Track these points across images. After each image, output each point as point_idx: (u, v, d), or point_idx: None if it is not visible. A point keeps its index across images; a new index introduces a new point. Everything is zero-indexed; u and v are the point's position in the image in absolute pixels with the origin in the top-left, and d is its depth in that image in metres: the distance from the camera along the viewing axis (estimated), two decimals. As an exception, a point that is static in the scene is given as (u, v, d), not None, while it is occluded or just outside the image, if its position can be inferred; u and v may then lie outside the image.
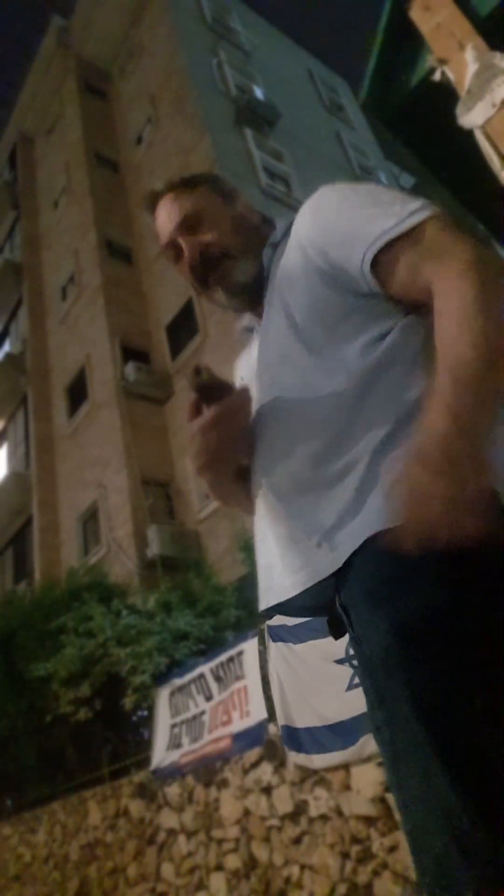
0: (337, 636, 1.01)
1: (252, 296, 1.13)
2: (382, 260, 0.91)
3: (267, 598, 1.00)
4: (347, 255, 0.94)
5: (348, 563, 0.86)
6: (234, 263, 1.11)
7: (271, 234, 1.15)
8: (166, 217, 1.14)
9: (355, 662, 1.02)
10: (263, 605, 1.02)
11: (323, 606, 0.96)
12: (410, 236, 0.90)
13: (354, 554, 0.84)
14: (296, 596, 0.94)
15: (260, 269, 1.12)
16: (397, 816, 2.94)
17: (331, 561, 0.88)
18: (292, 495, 0.94)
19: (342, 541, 0.87)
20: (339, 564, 0.86)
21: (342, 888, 3.34)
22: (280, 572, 0.96)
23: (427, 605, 0.76)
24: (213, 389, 0.98)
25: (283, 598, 0.96)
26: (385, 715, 0.83)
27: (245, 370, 1.17)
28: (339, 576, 0.88)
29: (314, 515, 0.91)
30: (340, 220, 0.97)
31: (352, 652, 1.05)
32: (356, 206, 0.97)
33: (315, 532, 0.90)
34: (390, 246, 0.90)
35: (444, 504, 0.75)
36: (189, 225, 1.12)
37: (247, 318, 1.19)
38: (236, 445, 1.03)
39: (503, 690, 0.73)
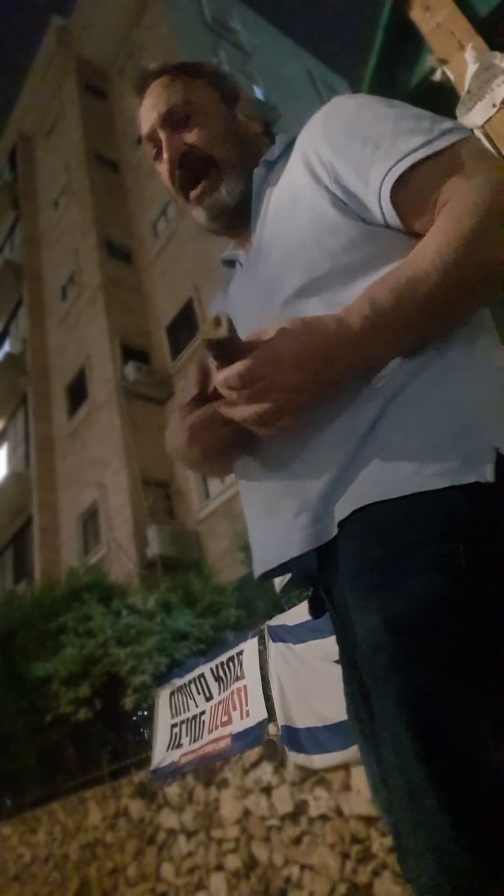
0: (316, 615, 0.92)
1: (236, 220, 0.97)
2: (405, 184, 0.76)
3: (255, 567, 0.88)
4: (364, 175, 0.79)
5: (333, 541, 0.75)
6: (220, 177, 0.95)
7: (268, 150, 0.98)
8: (151, 104, 0.98)
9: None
10: (255, 574, 0.89)
11: (302, 577, 0.87)
12: (439, 158, 0.75)
13: (341, 529, 0.73)
14: (279, 566, 0.82)
15: (248, 190, 0.95)
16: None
17: (310, 535, 0.77)
18: (280, 457, 0.82)
19: (324, 514, 0.76)
20: (321, 541, 0.76)
21: (342, 888, 3.34)
22: (261, 543, 0.86)
23: (425, 594, 0.64)
24: (231, 348, 0.76)
25: (260, 572, 0.85)
26: (362, 703, 0.75)
27: (225, 309, 0.98)
28: (322, 551, 0.78)
29: (299, 479, 0.79)
30: (357, 133, 0.81)
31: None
32: (377, 119, 0.81)
33: (299, 504, 0.79)
34: (414, 168, 0.76)
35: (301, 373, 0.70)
36: (175, 118, 0.96)
37: (229, 248, 1.04)
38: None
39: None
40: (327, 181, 0.83)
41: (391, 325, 0.71)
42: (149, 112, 0.98)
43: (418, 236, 0.77)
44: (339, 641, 0.88)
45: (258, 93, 14.99)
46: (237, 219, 0.97)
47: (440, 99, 3.95)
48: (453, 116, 3.69)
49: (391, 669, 0.64)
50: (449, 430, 0.70)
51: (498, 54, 3.48)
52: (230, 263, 1.02)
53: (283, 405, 0.72)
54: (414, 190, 0.76)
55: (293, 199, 0.86)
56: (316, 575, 0.83)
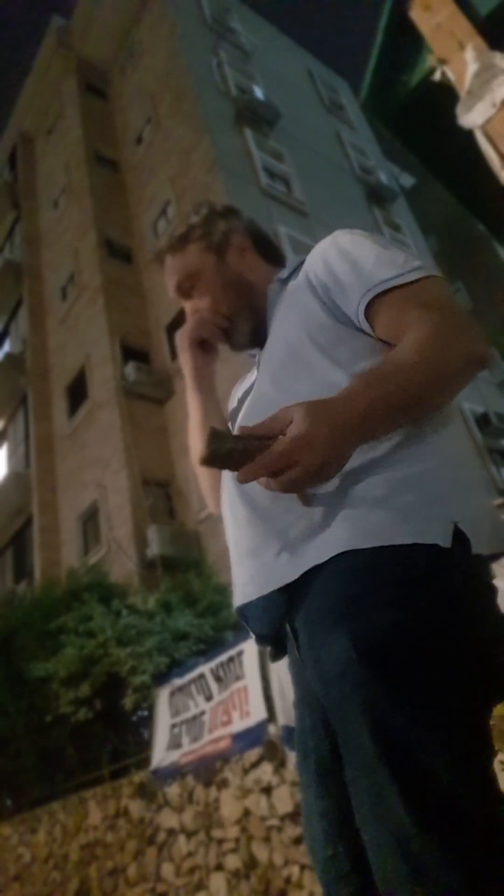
0: (276, 658, 1.04)
1: (256, 337, 1.17)
2: (377, 304, 0.95)
3: (235, 600, 1.03)
4: (347, 295, 0.98)
5: (306, 581, 0.86)
6: (233, 327, 1.17)
7: (275, 270, 1.20)
8: (168, 280, 1.23)
9: None
10: (234, 605, 1.04)
11: (270, 622, 0.98)
12: (407, 288, 0.94)
13: (315, 571, 0.85)
14: (253, 608, 0.96)
15: (260, 314, 1.16)
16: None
17: (286, 571, 0.89)
18: (264, 500, 0.95)
19: (304, 553, 0.88)
20: (295, 575, 0.87)
21: (342, 888, 3.34)
22: (241, 579, 0.98)
23: (389, 623, 0.77)
24: (244, 446, 0.83)
25: (239, 603, 0.99)
26: (318, 742, 0.84)
27: (240, 393, 1.20)
28: (294, 593, 0.89)
29: (281, 523, 0.92)
30: (346, 261, 1.01)
31: None
32: (364, 253, 1.00)
33: (279, 540, 0.91)
34: (386, 293, 0.94)
35: (311, 461, 0.79)
36: (183, 289, 1.20)
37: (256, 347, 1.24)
38: None
39: (460, 713, 0.75)
40: (322, 294, 1.02)
41: (388, 407, 0.84)
42: (168, 283, 1.24)
43: (388, 343, 0.96)
44: (297, 679, 1.01)
45: (258, 93, 14.98)
46: (257, 336, 1.17)
47: (440, 99, 3.95)
48: (453, 116, 3.70)
49: (357, 685, 0.76)
50: (419, 498, 0.85)
51: (498, 54, 3.48)
52: (253, 356, 1.21)
53: (312, 479, 0.83)
54: (384, 309, 0.95)
55: (295, 307, 1.05)
56: (282, 619, 0.95)
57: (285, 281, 1.16)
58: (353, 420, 0.82)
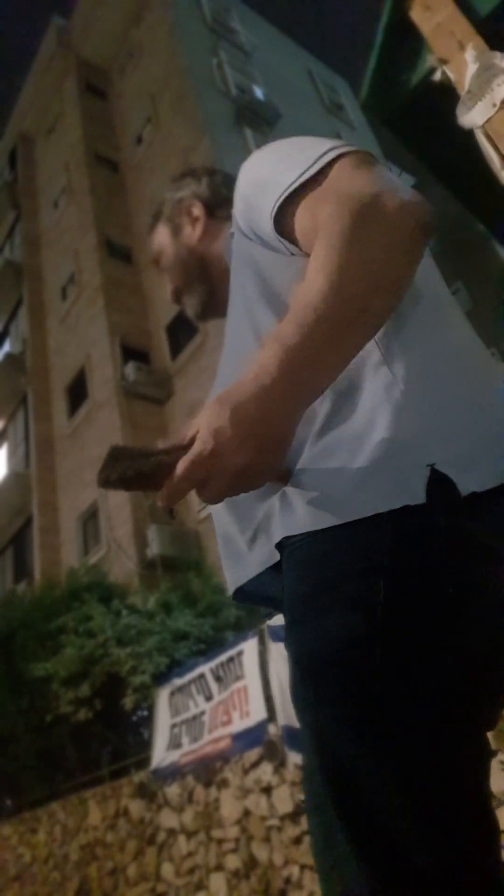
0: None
1: (219, 309, 1.12)
2: (284, 217, 0.79)
3: (229, 586, 0.93)
4: (259, 220, 0.83)
5: (278, 568, 0.76)
6: (186, 300, 1.18)
7: (225, 234, 1.08)
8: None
9: None
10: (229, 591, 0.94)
11: (269, 597, 0.88)
12: (312, 184, 0.76)
13: (283, 557, 0.74)
14: (249, 583, 0.85)
15: (209, 290, 1.14)
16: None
17: (263, 557, 0.78)
18: None
19: (265, 542, 0.78)
20: (259, 569, 0.79)
21: (342, 888, 3.34)
22: (228, 565, 0.90)
23: (339, 630, 0.64)
24: (142, 475, 0.71)
25: (235, 586, 0.88)
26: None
27: None
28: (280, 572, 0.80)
29: (249, 508, 0.81)
30: (253, 183, 0.86)
31: None
32: (268, 166, 0.85)
33: (250, 530, 0.81)
34: (291, 199, 0.77)
35: (216, 459, 0.65)
36: (159, 268, 1.24)
37: None
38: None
39: (427, 744, 0.61)
40: (245, 228, 0.88)
41: (307, 359, 0.66)
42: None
43: None
44: None
45: (258, 93, 14.98)
46: (216, 308, 1.14)
47: (440, 99, 3.95)
48: (453, 116, 3.69)
49: (304, 705, 0.66)
50: (378, 453, 0.67)
51: (498, 54, 3.48)
52: None
53: (242, 481, 0.68)
54: (293, 220, 0.78)
55: (235, 260, 0.93)
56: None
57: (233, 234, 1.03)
58: (270, 391, 0.65)
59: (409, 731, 0.61)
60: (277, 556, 0.75)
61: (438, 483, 0.65)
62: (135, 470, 0.69)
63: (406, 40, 4.09)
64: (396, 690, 0.61)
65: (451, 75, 3.73)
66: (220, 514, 0.88)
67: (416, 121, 4.64)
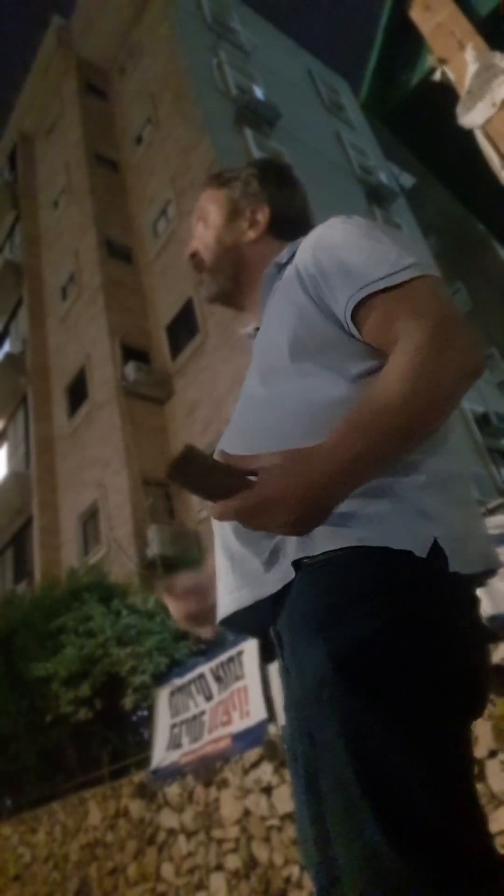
0: (268, 660, 1.03)
1: (232, 305, 1.22)
2: (364, 307, 0.89)
3: (221, 611, 1.00)
4: (335, 295, 0.93)
5: (288, 586, 0.85)
6: (205, 276, 1.20)
7: (269, 253, 1.16)
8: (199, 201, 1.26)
9: None
10: (220, 617, 1.01)
11: (258, 627, 0.97)
12: (396, 291, 0.88)
13: (297, 577, 0.84)
14: (236, 613, 0.94)
15: (230, 288, 1.19)
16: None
17: (276, 579, 0.87)
18: None
19: (286, 559, 0.86)
20: (283, 583, 0.86)
21: (342, 888, 3.34)
22: (224, 590, 0.97)
23: (368, 636, 0.75)
24: (205, 483, 0.79)
25: (222, 616, 0.97)
26: (306, 748, 0.82)
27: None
28: (278, 598, 0.88)
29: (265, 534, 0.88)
30: (335, 256, 0.95)
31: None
32: (353, 248, 0.94)
33: (266, 550, 0.89)
34: (374, 296, 0.88)
35: (281, 510, 0.75)
36: (196, 218, 1.23)
37: (251, 325, 1.22)
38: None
39: (439, 728, 0.74)
40: (311, 290, 0.97)
41: (378, 453, 0.79)
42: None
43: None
44: (284, 683, 0.98)
45: (258, 93, 14.97)
46: (233, 304, 1.22)
47: (440, 99, 3.95)
48: (453, 116, 3.70)
49: (333, 697, 0.74)
50: (400, 507, 0.83)
51: (498, 54, 3.48)
52: (251, 337, 1.20)
53: (286, 532, 0.80)
54: (371, 313, 0.89)
55: (287, 300, 1.01)
56: (270, 623, 0.93)
57: (284, 266, 1.12)
58: (337, 475, 0.77)
59: (429, 714, 0.74)
60: (292, 575, 0.85)
61: (436, 551, 0.81)
62: (201, 486, 0.78)
63: (406, 40, 4.10)
64: (416, 682, 0.75)
65: (451, 75, 3.73)
66: (228, 535, 0.95)
67: (416, 121, 4.64)
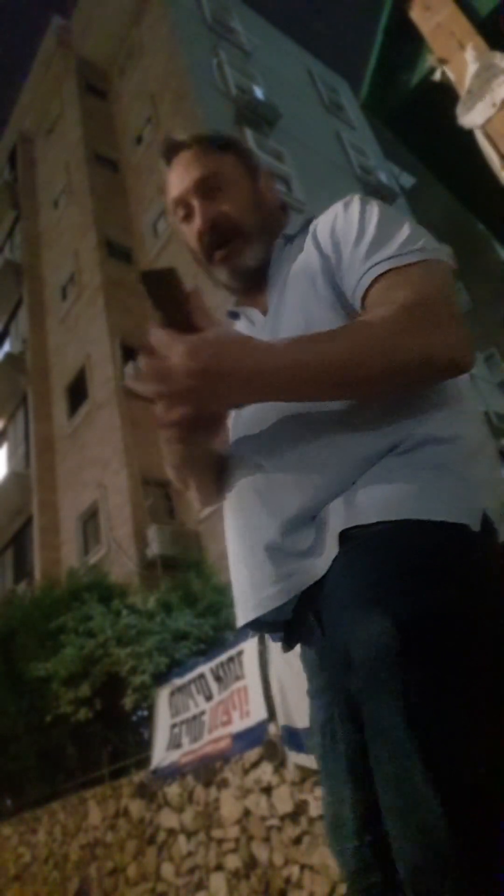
0: (289, 648, 0.99)
1: (252, 282, 1.08)
2: (374, 285, 0.88)
3: (244, 611, 0.95)
4: (347, 272, 0.93)
5: (335, 562, 0.81)
6: (246, 244, 1.05)
7: (287, 220, 1.12)
8: (184, 171, 1.06)
9: None
10: (241, 619, 0.96)
11: (276, 621, 0.93)
12: (404, 270, 0.87)
13: (346, 550, 0.80)
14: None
15: (268, 256, 1.07)
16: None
17: (323, 559, 0.83)
18: (289, 479, 0.89)
19: (331, 535, 0.82)
20: (330, 560, 0.82)
21: (342, 888, 3.34)
22: (259, 583, 0.90)
23: (434, 607, 0.74)
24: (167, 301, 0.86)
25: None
26: (349, 728, 0.81)
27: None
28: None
29: (311, 502, 0.86)
30: (352, 233, 0.94)
31: None
32: (370, 228, 0.93)
33: (308, 532, 0.85)
34: (383, 275, 0.87)
35: (202, 382, 0.78)
36: (208, 187, 1.05)
37: (233, 303, 1.15)
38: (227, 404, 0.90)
39: (501, 701, 0.71)
40: (332, 267, 0.96)
41: (298, 377, 0.80)
42: (181, 178, 1.06)
43: None
44: (318, 666, 0.96)
45: (258, 93, 14.97)
46: (253, 281, 1.08)
47: (440, 99, 3.95)
48: (453, 116, 3.69)
49: (395, 666, 0.72)
50: (454, 484, 0.81)
51: (498, 54, 3.48)
52: (234, 315, 1.15)
53: (177, 397, 0.82)
54: (376, 290, 0.87)
55: (310, 278, 0.97)
56: (297, 605, 0.88)
57: (291, 239, 1.09)
58: (254, 365, 0.79)
59: (493, 686, 0.71)
60: (337, 549, 0.81)
61: (486, 523, 0.80)
62: (163, 305, 0.85)
63: (406, 40, 4.10)
64: (481, 653, 0.73)
65: (451, 75, 3.73)
66: (263, 525, 0.90)
67: (416, 121, 4.64)
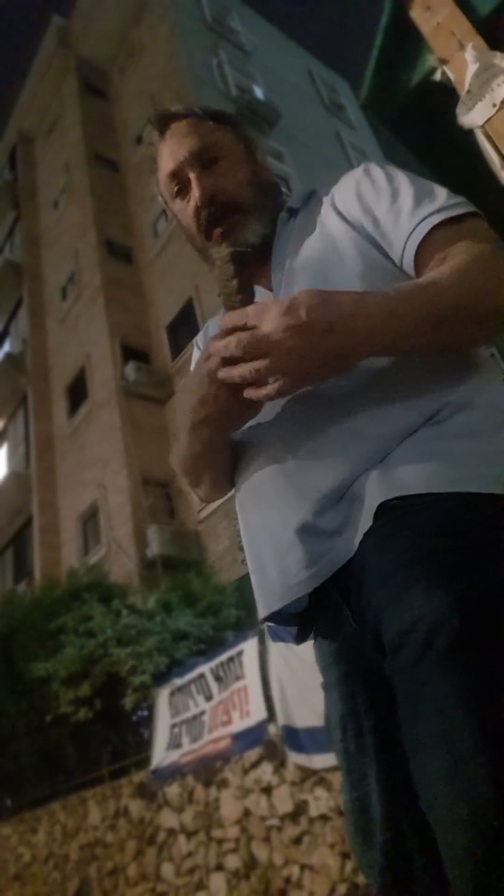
0: (302, 640, 0.93)
1: (261, 256, 1.01)
2: (423, 247, 0.86)
3: (269, 601, 0.88)
4: (389, 238, 0.90)
5: (366, 537, 0.76)
6: (246, 219, 1.00)
7: (280, 197, 1.08)
8: (178, 142, 1.01)
9: None
10: (265, 610, 0.89)
11: (293, 613, 0.89)
12: (453, 224, 0.86)
13: (383, 523, 0.75)
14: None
15: (270, 233, 1.02)
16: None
17: (356, 534, 0.78)
18: (326, 454, 0.84)
19: (368, 507, 0.77)
20: (363, 534, 0.77)
21: (342, 888, 3.34)
22: (288, 569, 0.84)
23: (490, 581, 0.68)
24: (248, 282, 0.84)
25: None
26: (380, 716, 0.77)
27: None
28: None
29: (349, 475, 0.81)
30: (383, 198, 0.92)
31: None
32: (401, 189, 0.92)
33: (339, 511, 0.81)
34: (431, 233, 0.86)
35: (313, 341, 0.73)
36: (205, 159, 1.01)
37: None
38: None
39: None
40: (360, 230, 0.93)
41: (409, 317, 0.76)
42: (175, 149, 1.01)
43: None
44: (340, 654, 0.89)
45: (258, 93, 14.98)
46: (262, 256, 1.01)
47: (440, 99, 3.95)
48: (453, 116, 3.69)
49: (452, 645, 0.66)
50: (495, 455, 0.77)
51: (498, 54, 3.48)
52: None
53: (281, 366, 0.75)
54: (431, 249, 0.86)
55: (333, 248, 0.94)
56: (319, 589, 0.83)
57: (295, 212, 1.05)
58: (360, 314, 0.74)
59: None
60: (371, 522, 0.76)
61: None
62: (243, 287, 0.81)
63: (406, 40, 4.09)
64: None
65: (451, 75, 3.73)
66: (290, 509, 0.84)
67: (416, 121, 4.64)
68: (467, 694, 0.65)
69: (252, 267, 0.86)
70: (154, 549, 9.90)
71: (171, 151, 1.02)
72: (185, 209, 1.03)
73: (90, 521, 12.13)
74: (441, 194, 0.89)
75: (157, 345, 13.04)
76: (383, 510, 0.75)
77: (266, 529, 0.89)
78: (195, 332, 11.85)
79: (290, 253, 0.98)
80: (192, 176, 1.00)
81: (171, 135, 1.03)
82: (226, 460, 0.97)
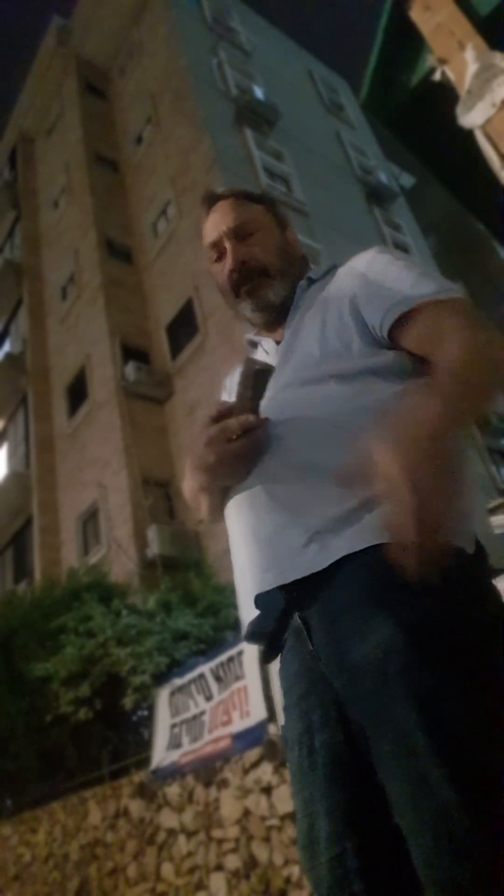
0: (269, 659, 1.00)
1: (274, 316, 1.19)
2: (409, 317, 0.97)
3: (246, 588, 0.98)
4: (374, 307, 1.02)
5: (330, 570, 0.86)
6: (270, 282, 1.18)
7: (307, 269, 1.25)
8: (220, 218, 1.21)
9: None
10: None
11: (269, 629, 0.94)
12: (443, 303, 0.97)
13: (343, 561, 0.85)
14: (260, 601, 0.92)
15: (290, 296, 1.19)
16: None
17: (315, 560, 0.88)
18: (291, 487, 0.95)
19: (336, 542, 0.87)
20: (325, 564, 0.87)
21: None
22: (258, 566, 0.95)
23: (435, 609, 0.79)
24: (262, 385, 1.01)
25: (258, 591, 0.93)
26: (332, 733, 0.84)
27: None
28: (311, 584, 0.88)
29: (311, 510, 0.91)
30: (384, 275, 1.05)
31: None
32: (402, 271, 1.04)
33: (307, 527, 0.90)
34: (422, 308, 0.97)
35: (445, 497, 0.74)
36: (241, 233, 1.20)
37: (253, 333, 1.27)
38: (252, 458, 0.99)
39: (501, 697, 0.76)
40: (359, 307, 1.05)
41: (458, 410, 0.84)
42: (217, 224, 1.22)
43: (414, 356, 0.99)
44: (300, 674, 0.96)
45: (258, 93, 14.97)
46: (273, 315, 1.20)
47: (440, 99, 3.95)
48: (453, 116, 3.70)
49: (404, 668, 0.77)
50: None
51: (498, 54, 3.48)
52: (252, 344, 1.28)
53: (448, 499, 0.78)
54: (419, 319, 0.97)
55: (337, 310, 1.07)
56: (282, 614, 0.92)
57: (313, 282, 1.20)
58: (442, 439, 0.78)
59: (492, 684, 0.77)
60: (333, 558, 0.86)
61: (478, 547, 0.89)
62: (256, 397, 1.01)
63: (406, 40, 4.10)
64: (479, 654, 0.78)
65: (451, 75, 3.73)
66: (267, 514, 0.95)
67: (416, 121, 4.64)
68: (425, 711, 0.74)
69: (267, 383, 1.01)
70: (154, 549, 9.90)
71: (214, 225, 1.22)
72: (221, 272, 1.21)
73: (90, 521, 12.13)
74: (435, 282, 1.00)
75: (156, 345, 13.04)
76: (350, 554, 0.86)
77: (251, 533, 0.99)
78: (195, 331, 11.86)
79: (298, 318, 1.14)
80: (228, 245, 1.20)
81: (215, 211, 1.23)
82: (222, 494, 1.09)
